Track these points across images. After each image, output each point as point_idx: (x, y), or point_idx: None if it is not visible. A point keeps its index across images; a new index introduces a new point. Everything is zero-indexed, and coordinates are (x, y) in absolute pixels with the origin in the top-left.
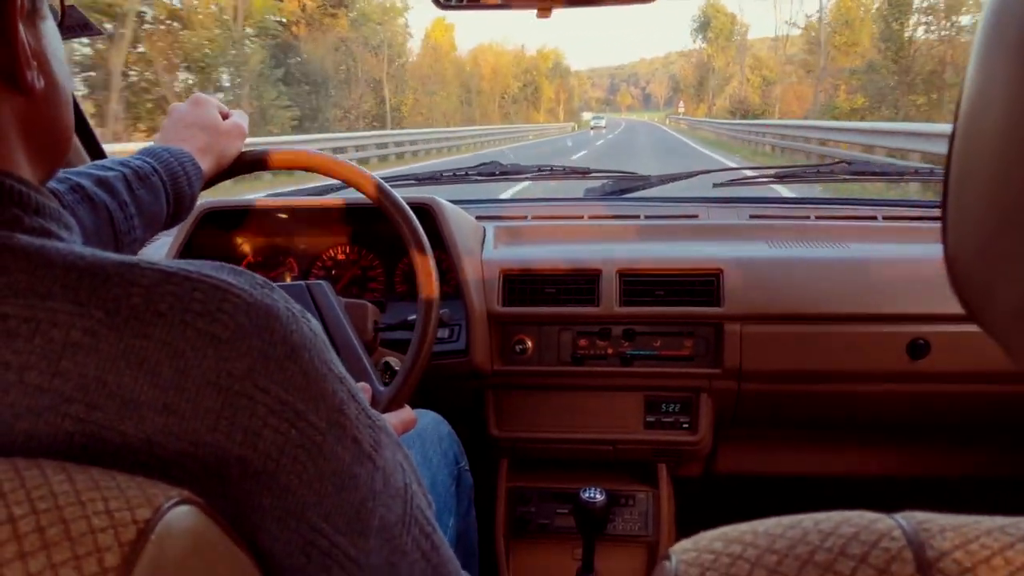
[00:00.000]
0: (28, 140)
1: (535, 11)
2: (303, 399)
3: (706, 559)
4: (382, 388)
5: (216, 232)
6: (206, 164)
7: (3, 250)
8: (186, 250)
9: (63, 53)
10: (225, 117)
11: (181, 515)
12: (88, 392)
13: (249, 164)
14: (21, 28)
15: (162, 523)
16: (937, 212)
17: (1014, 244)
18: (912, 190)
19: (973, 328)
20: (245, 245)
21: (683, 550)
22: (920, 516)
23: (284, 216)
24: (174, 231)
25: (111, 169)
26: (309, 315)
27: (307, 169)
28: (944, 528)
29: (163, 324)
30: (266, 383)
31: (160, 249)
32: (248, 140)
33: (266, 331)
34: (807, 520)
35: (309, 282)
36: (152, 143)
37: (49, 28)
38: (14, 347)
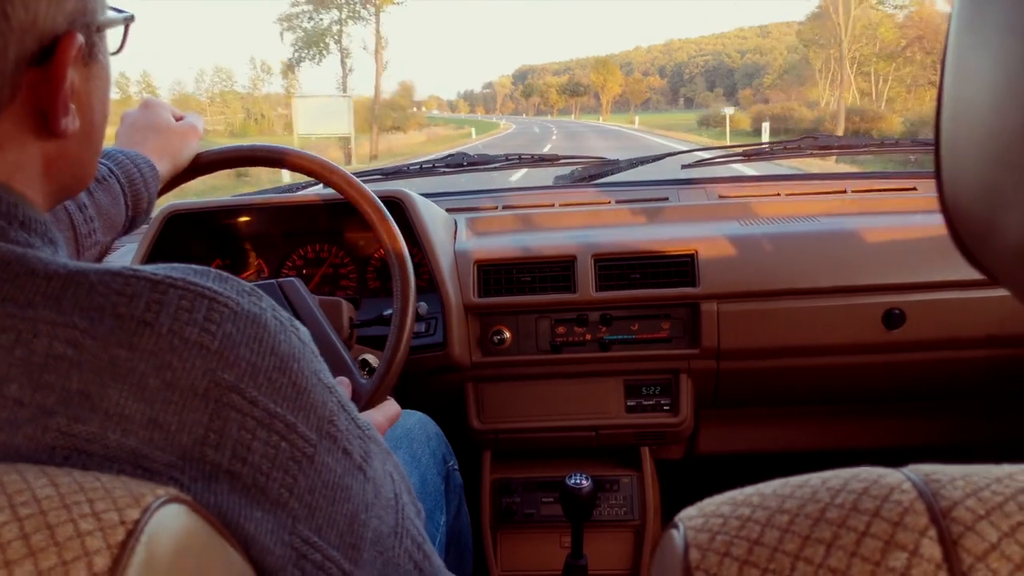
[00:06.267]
0: (48, 173)
1: None
2: (293, 410)
3: (715, 524)
4: (363, 382)
5: (182, 234)
6: (162, 166)
7: None
8: (153, 254)
9: (109, 95)
10: (178, 119)
11: (171, 514)
12: (71, 406)
13: (206, 164)
14: (69, 73)
15: (152, 522)
16: (905, 183)
17: (1012, 176)
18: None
19: (947, 295)
20: (212, 247)
21: (689, 517)
22: (927, 468)
23: (251, 217)
24: (139, 235)
25: None
26: (298, 323)
27: (267, 164)
28: (953, 478)
29: (149, 334)
30: (255, 395)
31: (126, 255)
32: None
33: (255, 341)
34: (814, 479)
35: (281, 280)
36: (107, 148)
37: (100, 70)
38: None
